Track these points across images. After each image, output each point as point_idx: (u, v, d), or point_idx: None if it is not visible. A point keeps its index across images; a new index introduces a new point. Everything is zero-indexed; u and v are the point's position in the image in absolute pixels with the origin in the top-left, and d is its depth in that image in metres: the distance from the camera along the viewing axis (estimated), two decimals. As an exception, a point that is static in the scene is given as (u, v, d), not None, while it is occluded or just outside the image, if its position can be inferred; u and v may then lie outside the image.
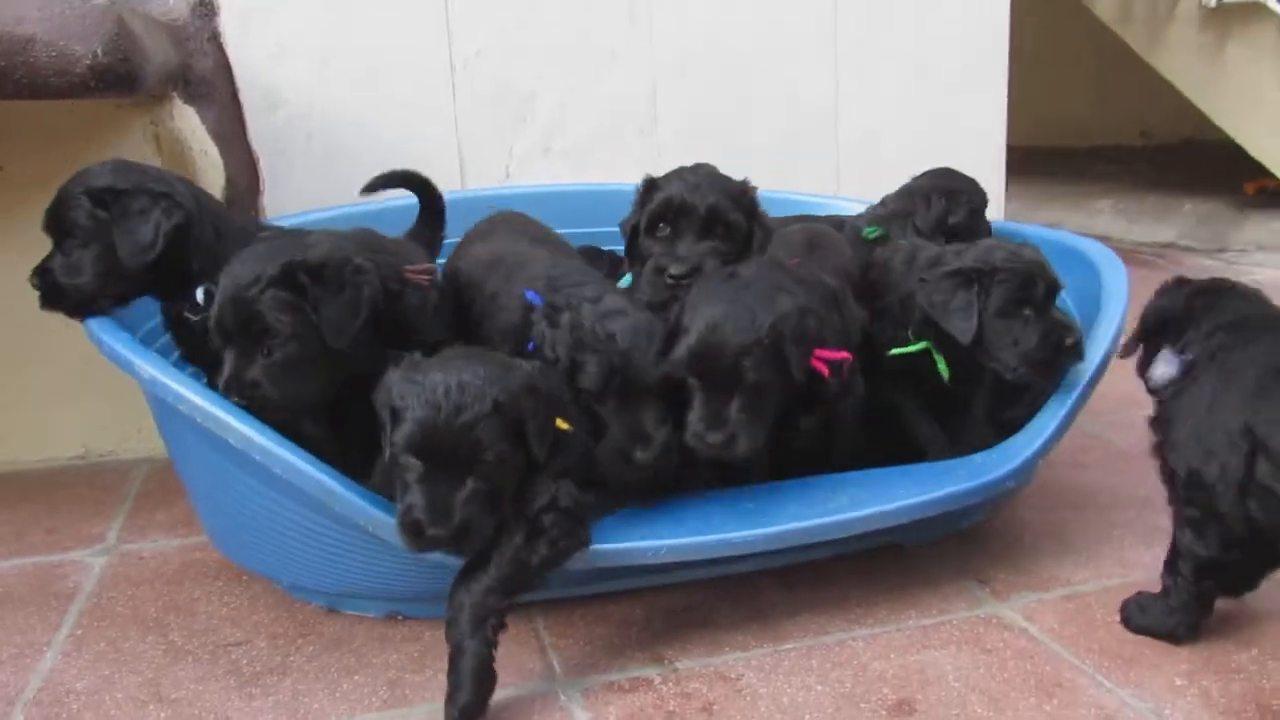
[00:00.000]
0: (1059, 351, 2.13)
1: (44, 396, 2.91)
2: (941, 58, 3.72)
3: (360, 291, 1.96)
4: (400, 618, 2.04)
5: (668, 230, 2.22)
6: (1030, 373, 2.15)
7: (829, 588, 2.13)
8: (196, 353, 2.24)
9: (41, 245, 2.16)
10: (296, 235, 2.16)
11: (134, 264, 2.09)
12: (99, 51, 2.13)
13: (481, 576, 1.71)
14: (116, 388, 2.50)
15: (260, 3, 3.02)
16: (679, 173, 2.30)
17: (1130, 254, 5.58)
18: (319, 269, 1.93)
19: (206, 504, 2.16)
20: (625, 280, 2.42)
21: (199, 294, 2.12)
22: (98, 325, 2.02)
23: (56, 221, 2.11)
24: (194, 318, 2.16)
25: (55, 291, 2.12)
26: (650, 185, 2.30)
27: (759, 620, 2.03)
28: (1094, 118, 8.34)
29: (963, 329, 2.14)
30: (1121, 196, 6.66)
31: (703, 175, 2.27)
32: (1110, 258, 2.48)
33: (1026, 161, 4.02)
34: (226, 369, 1.90)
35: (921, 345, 2.26)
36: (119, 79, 2.19)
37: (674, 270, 2.15)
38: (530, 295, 2.11)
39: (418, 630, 2.00)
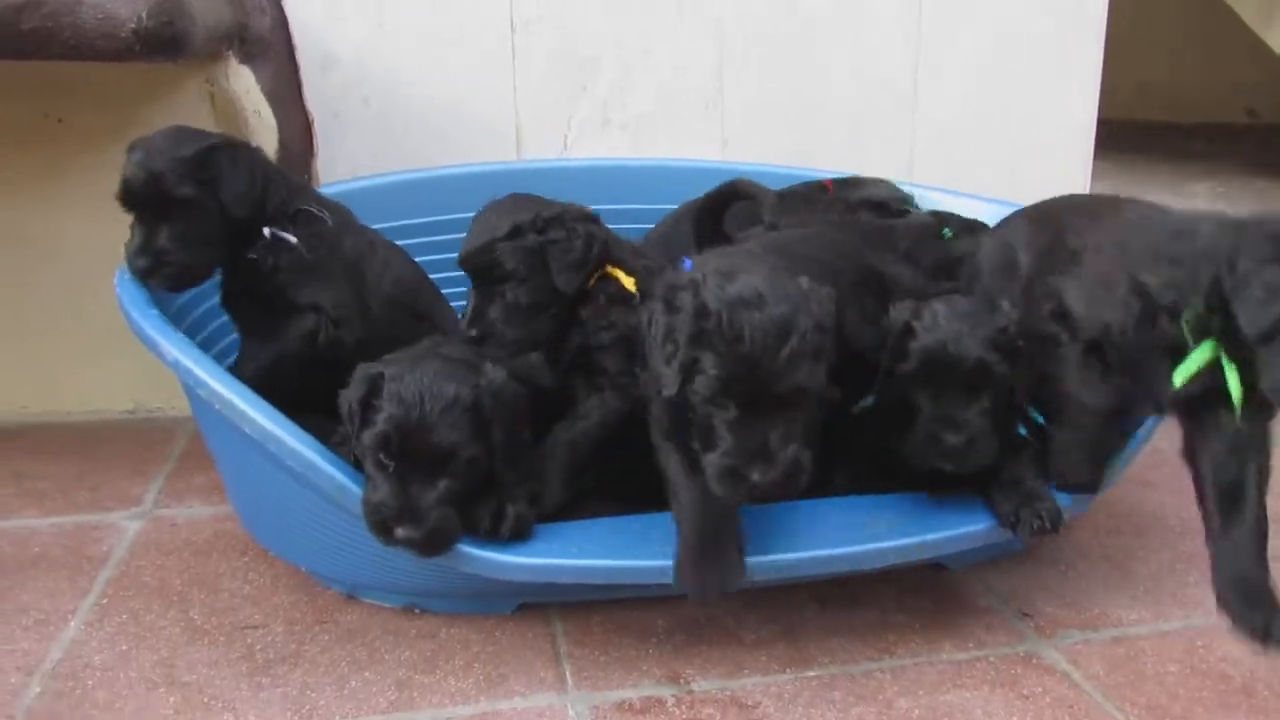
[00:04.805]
0: None
1: (96, 350, 2.92)
2: (1031, 29, 3.45)
3: None
4: (417, 610, 2.01)
5: None
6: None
7: (864, 608, 2.04)
8: (237, 300, 2.25)
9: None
10: None
11: (242, 211, 2.10)
12: (144, 15, 2.08)
13: None
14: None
15: (319, -42, 2.94)
16: None
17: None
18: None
19: (232, 484, 2.14)
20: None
21: (266, 232, 2.15)
22: (128, 298, 1.98)
23: (158, 198, 2.05)
24: (254, 256, 2.16)
25: (183, 271, 2.10)
26: None
27: (786, 639, 1.95)
28: (1195, 91, 7.84)
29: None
30: (1222, 180, 6.24)
31: None
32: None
33: (1119, 136, 3.74)
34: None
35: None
36: (164, 43, 2.14)
37: None
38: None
39: (434, 626, 1.97)
